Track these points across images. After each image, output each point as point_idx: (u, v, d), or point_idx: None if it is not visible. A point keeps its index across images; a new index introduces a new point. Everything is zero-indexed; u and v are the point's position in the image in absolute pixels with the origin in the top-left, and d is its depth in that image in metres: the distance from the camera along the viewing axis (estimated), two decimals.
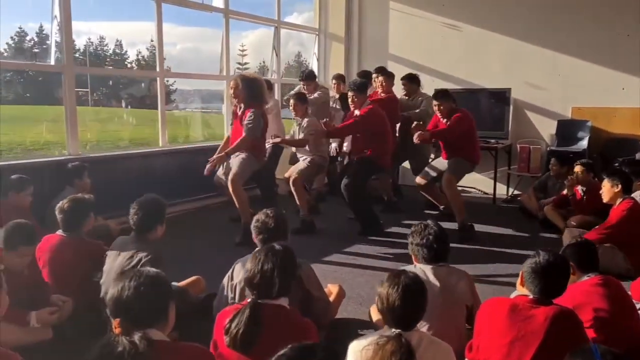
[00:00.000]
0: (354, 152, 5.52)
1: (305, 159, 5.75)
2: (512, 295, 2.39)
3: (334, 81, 7.30)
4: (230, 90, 5.11)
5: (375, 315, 2.82)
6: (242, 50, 16.87)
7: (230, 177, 4.98)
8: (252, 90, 4.98)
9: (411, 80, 6.67)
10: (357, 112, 5.36)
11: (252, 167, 5.10)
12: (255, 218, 2.82)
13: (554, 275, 2.16)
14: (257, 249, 2.26)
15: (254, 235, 2.81)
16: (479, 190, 7.48)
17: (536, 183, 6.30)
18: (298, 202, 5.55)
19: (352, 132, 5.46)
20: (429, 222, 2.66)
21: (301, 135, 5.68)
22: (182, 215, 5.99)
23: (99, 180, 4.88)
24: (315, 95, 6.61)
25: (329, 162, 6.47)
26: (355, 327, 3.20)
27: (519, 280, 2.28)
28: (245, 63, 17.78)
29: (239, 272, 2.76)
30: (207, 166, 4.94)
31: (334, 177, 7.30)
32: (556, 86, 7.06)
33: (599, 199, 5.15)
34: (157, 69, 5.95)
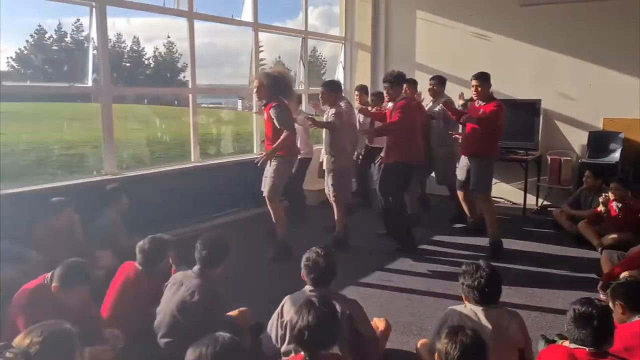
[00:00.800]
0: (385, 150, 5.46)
1: (329, 174, 5.51)
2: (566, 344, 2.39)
3: (356, 92, 7.32)
4: (254, 89, 5.11)
5: (425, 353, 2.84)
6: (260, 47, 16.95)
7: (266, 194, 5.05)
8: (277, 86, 4.99)
9: (440, 82, 6.66)
10: (390, 105, 5.33)
11: (287, 172, 5.16)
12: (305, 257, 2.86)
13: (595, 325, 2.19)
14: (299, 304, 2.29)
15: (304, 274, 2.84)
16: (508, 201, 7.44)
17: (570, 198, 6.25)
18: (336, 218, 5.51)
19: (397, 128, 5.21)
20: (481, 262, 2.66)
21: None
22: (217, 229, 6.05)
23: (133, 199, 4.95)
24: (333, 112, 6.53)
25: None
26: (401, 359, 3.23)
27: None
28: (262, 59, 17.79)
29: (289, 309, 2.79)
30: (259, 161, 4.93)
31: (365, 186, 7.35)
32: (587, 97, 6.99)
33: (634, 215, 5.13)
34: (190, 86, 6.01)
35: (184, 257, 3.59)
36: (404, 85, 6.11)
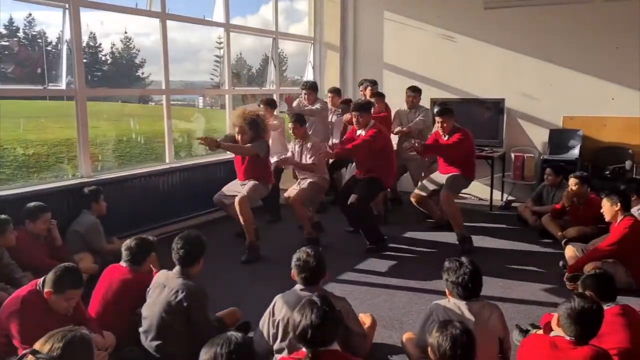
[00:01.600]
0: (361, 171, 5.62)
1: (306, 179, 5.82)
2: (551, 334, 2.57)
3: (329, 94, 7.45)
4: (237, 134, 5.33)
5: (411, 347, 2.98)
6: (220, 43, 16.76)
7: (238, 198, 5.18)
8: (258, 128, 5.30)
9: (416, 92, 6.86)
10: (361, 132, 5.46)
11: (262, 194, 5.52)
12: (296, 257, 2.95)
13: (589, 322, 2.35)
14: (301, 303, 2.38)
15: (294, 273, 2.94)
16: (475, 197, 7.70)
17: (533, 194, 6.54)
18: (301, 222, 5.75)
19: (361, 152, 5.47)
20: (464, 259, 2.82)
21: (306, 156, 5.78)
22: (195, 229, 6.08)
23: (110, 201, 4.95)
24: (318, 106, 6.74)
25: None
26: (386, 353, 3.37)
27: (554, 321, 2.47)
28: (223, 56, 17.53)
29: (280, 308, 2.89)
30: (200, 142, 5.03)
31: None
32: (548, 96, 7.30)
33: (594, 209, 5.41)
34: (163, 87, 6.00)
35: (162, 259, 3.64)
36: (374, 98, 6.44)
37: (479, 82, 7.59)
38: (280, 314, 2.89)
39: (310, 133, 6.20)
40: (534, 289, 4.46)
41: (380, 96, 6.89)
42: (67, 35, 5.04)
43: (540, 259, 5.26)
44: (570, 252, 4.75)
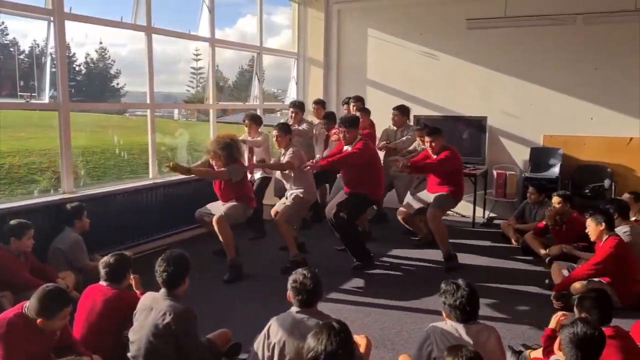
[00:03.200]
0: (348, 185, 5.60)
1: (292, 193, 5.65)
2: (551, 359, 2.58)
3: (314, 106, 7.45)
4: (210, 158, 5.31)
5: None
6: (197, 55, 16.62)
7: (216, 217, 5.11)
8: (231, 152, 5.21)
9: (403, 112, 6.92)
10: (348, 148, 5.44)
11: (242, 214, 5.38)
12: (292, 279, 2.90)
13: (591, 348, 2.36)
14: (317, 328, 2.34)
15: (291, 296, 2.89)
16: (458, 214, 7.77)
17: (516, 212, 6.62)
18: (286, 242, 5.55)
19: (346, 164, 5.43)
20: (460, 282, 2.81)
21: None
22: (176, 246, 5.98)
23: (92, 217, 4.83)
24: (305, 127, 6.73)
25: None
26: None
27: (557, 345, 2.48)
28: (200, 68, 17.31)
29: (276, 331, 2.83)
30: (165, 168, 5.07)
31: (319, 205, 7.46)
32: (529, 115, 7.43)
33: (577, 228, 5.50)
34: (148, 101, 5.93)
35: (145, 277, 3.57)
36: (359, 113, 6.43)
37: (462, 100, 7.68)
38: (275, 336, 2.83)
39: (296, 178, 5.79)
40: (522, 308, 4.48)
41: (366, 112, 6.88)
42: (50, 47, 4.95)
43: (525, 277, 5.30)
44: (556, 270, 4.81)
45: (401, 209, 6.13)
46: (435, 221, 5.54)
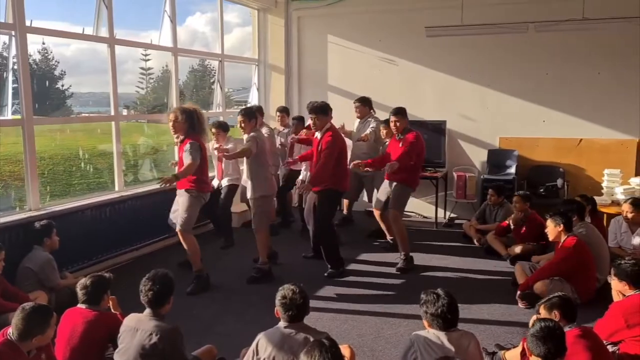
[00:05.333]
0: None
1: (250, 199, 5.46)
2: None
3: (278, 114, 7.50)
4: (170, 123, 5.10)
5: None
6: (145, 55, 16.30)
7: (178, 227, 5.09)
8: (192, 120, 5.05)
9: (364, 103, 7.02)
10: (318, 135, 5.40)
11: (198, 205, 5.14)
12: (281, 295, 2.95)
13: (554, 341, 2.57)
14: (308, 347, 2.42)
15: (278, 311, 2.95)
16: (420, 215, 7.99)
17: (477, 213, 6.88)
18: (259, 249, 5.48)
19: (331, 162, 5.29)
20: (439, 291, 2.94)
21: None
22: (145, 259, 5.95)
23: (60, 233, 4.73)
24: (265, 130, 6.74)
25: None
26: None
27: (528, 352, 2.66)
28: (149, 68, 16.91)
29: (264, 347, 2.90)
30: (161, 185, 4.80)
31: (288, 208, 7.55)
32: (485, 118, 7.73)
33: (536, 227, 5.79)
34: (112, 112, 5.85)
35: (118, 293, 3.62)
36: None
37: (421, 105, 7.89)
38: (264, 352, 2.90)
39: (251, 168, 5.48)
40: (490, 308, 4.68)
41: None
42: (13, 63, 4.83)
43: (489, 277, 5.53)
44: (519, 270, 5.05)
45: (375, 210, 6.30)
46: (397, 222, 5.72)
